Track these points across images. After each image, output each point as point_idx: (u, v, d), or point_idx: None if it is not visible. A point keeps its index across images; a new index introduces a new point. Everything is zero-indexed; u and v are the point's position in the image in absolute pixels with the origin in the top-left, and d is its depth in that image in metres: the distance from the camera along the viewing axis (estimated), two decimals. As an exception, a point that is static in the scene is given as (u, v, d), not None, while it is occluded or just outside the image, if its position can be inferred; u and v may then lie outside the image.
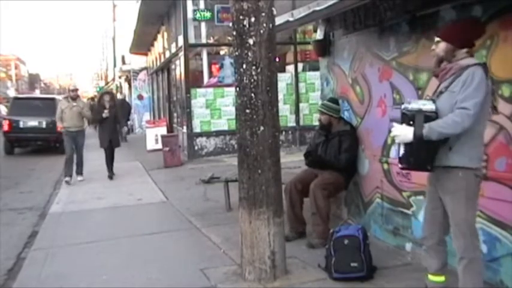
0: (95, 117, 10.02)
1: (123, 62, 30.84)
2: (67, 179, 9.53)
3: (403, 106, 3.06)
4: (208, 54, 13.28)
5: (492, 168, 3.51)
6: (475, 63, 2.94)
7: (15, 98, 18.55)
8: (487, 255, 3.56)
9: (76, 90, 10.20)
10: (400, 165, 3.14)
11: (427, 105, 2.98)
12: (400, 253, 4.47)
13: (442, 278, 3.20)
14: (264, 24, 3.88)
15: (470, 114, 2.81)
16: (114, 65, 37.23)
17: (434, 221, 3.17)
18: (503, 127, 3.42)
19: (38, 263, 4.85)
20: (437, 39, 3.08)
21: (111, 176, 10.11)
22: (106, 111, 9.74)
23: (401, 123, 3.01)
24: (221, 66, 13.07)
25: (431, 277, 3.23)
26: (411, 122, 2.94)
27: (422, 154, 2.96)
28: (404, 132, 2.95)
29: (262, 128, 3.92)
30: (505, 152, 3.42)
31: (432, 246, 3.19)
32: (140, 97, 24.88)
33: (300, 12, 5.36)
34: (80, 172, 9.93)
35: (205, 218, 6.33)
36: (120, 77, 33.46)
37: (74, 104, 9.68)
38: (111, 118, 9.83)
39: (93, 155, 11.99)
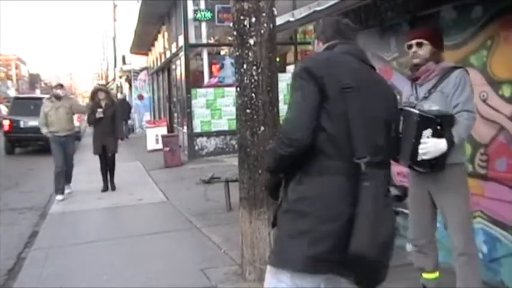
0: (88, 118, 8.53)
1: (124, 62, 30.86)
2: (59, 197, 7.93)
3: (417, 111, 2.91)
4: (209, 54, 13.29)
5: (492, 169, 3.51)
6: (458, 66, 3.06)
7: (16, 98, 18.55)
8: (487, 256, 3.56)
9: (61, 86, 8.43)
10: (420, 169, 2.98)
11: (433, 107, 2.94)
12: (400, 253, 4.45)
13: (436, 274, 3.21)
14: (265, 25, 3.88)
15: (475, 117, 2.95)
16: (115, 65, 37.25)
17: (424, 220, 3.15)
18: (504, 127, 3.42)
19: (38, 263, 4.85)
20: (418, 40, 3.04)
21: (113, 187, 8.65)
22: (100, 110, 8.26)
23: (422, 129, 2.86)
24: (221, 67, 13.08)
25: (426, 275, 3.22)
26: (438, 128, 2.83)
27: (444, 157, 2.88)
28: (438, 147, 2.81)
29: (262, 128, 3.92)
30: (506, 152, 3.42)
31: (425, 244, 3.17)
32: (140, 97, 24.90)
33: (301, 13, 5.36)
34: (68, 182, 8.42)
35: (206, 218, 6.34)
36: (120, 77, 33.47)
37: (59, 104, 8.09)
38: (107, 119, 8.31)
39: (91, 155, 11.98)
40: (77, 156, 15.00)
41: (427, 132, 2.84)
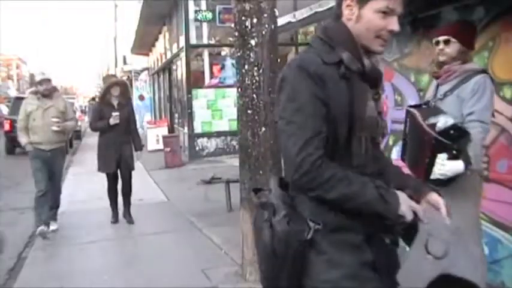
0: (97, 125, 6.21)
1: (125, 63, 30.89)
2: (41, 229, 5.62)
3: (433, 134, 2.65)
4: (210, 54, 13.31)
5: (494, 170, 3.51)
6: (481, 70, 2.88)
7: (17, 98, 18.52)
8: (488, 257, 3.55)
9: (48, 80, 5.82)
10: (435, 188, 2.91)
11: (449, 121, 2.70)
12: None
13: None
14: (266, 25, 3.88)
15: (489, 129, 2.82)
16: (116, 66, 37.28)
17: None
18: (505, 129, 3.42)
19: (39, 263, 4.86)
20: (445, 38, 2.88)
21: (130, 220, 6.28)
22: (115, 114, 5.97)
23: (437, 152, 2.66)
24: (222, 67, 13.10)
25: None
26: (454, 153, 2.63)
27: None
28: (455, 169, 2.63)
29: (263, 128, 3.93)
30: (507, 153, 3.42)
31: None
32: (141, 97, 24.91)
33: (302, 13, 5.36)
34: (53, 216, 6.00)
35: (207, 218, 6.34)
36: (121, 78, 33.46)
37: (50, 103, 5.73)
38: (121, 123, 6.03)
39: (93, 154, 11.97)
40: (78, 157, 15.06)
41: (443, 156, 2.63)
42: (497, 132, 3.47)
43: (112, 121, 5.96)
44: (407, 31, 4.41)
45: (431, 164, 2.67)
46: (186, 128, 13.06)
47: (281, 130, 1.53)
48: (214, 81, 12.97)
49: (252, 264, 4.00)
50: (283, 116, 1.53)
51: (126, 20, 27.20)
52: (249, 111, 3.93)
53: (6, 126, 15.39)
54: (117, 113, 5.97)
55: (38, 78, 5.90)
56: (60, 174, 6.08)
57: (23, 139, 5.70)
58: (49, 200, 5.84)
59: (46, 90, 5.73)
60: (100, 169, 6.28)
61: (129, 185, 6.38)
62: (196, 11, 12.70)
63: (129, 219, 6.29)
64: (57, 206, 6.14)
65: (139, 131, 7.40)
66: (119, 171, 6.27)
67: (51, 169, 5.80)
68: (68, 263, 4.84)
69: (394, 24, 1.54)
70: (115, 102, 6.14)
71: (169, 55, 17.05)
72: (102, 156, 6.21)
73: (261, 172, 3.94)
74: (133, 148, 6.36)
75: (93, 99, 32.16)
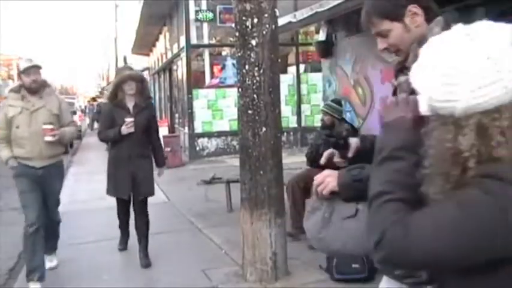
0: (106, 134, 4.67)
1: (125, 63, 30.88)
2: (35, 286, 3.99)
3: None
4: (210, 55, 13.32)
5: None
6: None
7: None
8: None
9: (37, 68, 4.10)
10: None
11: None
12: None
13: None
14: (267, 25, 3.88)
15: None
16: (116, 66, 37.30)
17: None
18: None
19: (39, 263, 4.84)
20: None
21: (147, 262, 4.57)
22: (129, 120, 4.40)
23: None
24: (223, 67, 13.10)
25: None
26: None
27: None
28: None
29: (264, 129, 3.93)
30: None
31: None
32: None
33: (303, 14, 5.37)
34: (52, 247, 4.62)
35: (207, 218, 6.34)
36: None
37: (38, 104, 4.10)
38: (138, 134, 4.51)
39: (93, 154, 11.98)
40: (78, 157, 15.06)
41: None
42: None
43: (125, 130, 4.40)
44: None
45: None
46: (186, 128, 13.07)
47: None
48: (215, 81, 12.97)
49: (253, 265, 4.00)
50: None
51: (126, 20, 27.22)
52: (250, 112, 3.94)
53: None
54: (131, 119, 4.41)
55: (22, 66, 4.12)
56: (56, 200, 4.52)
57: (3, 152, 4.14)
58: (43, 236, 4.16)
59: (34, 83, 4.05)
60: (109, 192, 4.77)
61: (144, 217, 4.72)
62: (196, 11, 12.71)
63: (146, 262, 4.60)
64: (57, 237, 4.70)
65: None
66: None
67: (44, 191, 4.24)
68: (68, 263, 4.83)
69: (378, 44, 1.71)
70: (130, 104, 4.57)
71: (169, 55, 17.06)
72: (112, 175, 4.68)
73: (261, 172, 3.95)
74: (153, 164, 4.91)
75: (94, 99, 32.14)
